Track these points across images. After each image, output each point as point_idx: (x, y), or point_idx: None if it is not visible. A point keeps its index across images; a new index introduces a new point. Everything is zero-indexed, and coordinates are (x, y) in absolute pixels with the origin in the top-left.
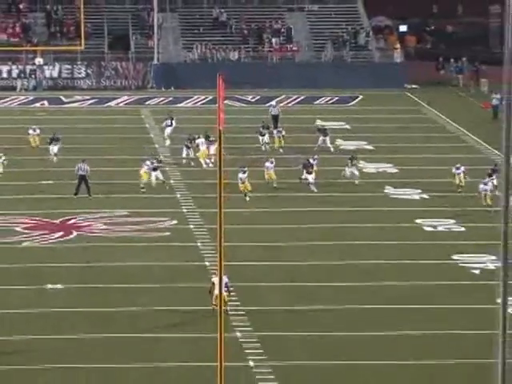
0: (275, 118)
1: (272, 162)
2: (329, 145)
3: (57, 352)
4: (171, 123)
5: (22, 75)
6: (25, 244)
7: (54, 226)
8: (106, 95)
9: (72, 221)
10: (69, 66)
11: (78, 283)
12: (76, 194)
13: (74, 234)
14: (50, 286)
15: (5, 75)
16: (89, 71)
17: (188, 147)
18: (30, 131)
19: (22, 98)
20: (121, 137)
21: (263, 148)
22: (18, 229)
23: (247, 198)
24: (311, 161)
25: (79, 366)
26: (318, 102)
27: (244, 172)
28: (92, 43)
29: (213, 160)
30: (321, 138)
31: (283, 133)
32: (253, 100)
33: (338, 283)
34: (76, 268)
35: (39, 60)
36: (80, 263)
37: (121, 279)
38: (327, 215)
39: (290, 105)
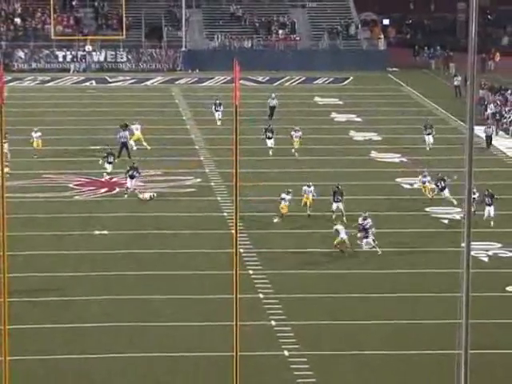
0: (272, 109)
1: (310, 186)
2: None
3: (104, 286)
4: (220, 107)
5: (75, 59)
6: (76, 198)
7: (100, 183)
8: (143, 76)
9: (115, 179)
10: (113, 52)
11: (121, 230)
12: (118, 156)
13: (117, 189)
14: (97, 232)
15: (60, 59)
16: (129, 56)
17: (216, 111)
18: (33, 133)
19: (75, 78)
20: (155, 110)
21: (270, 153)
22: (70, 185)
23: (275, 220)
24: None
25: (123, 297)
26: (316, 82)
27: (288, 193)
28: (132, 33)
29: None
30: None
31: (300, 133)
32: (263, 80)
33: None
34: (119, 217)
35: (88, 47)
36: (122, 213)
37: (156, 226)
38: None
39: (293, 84)
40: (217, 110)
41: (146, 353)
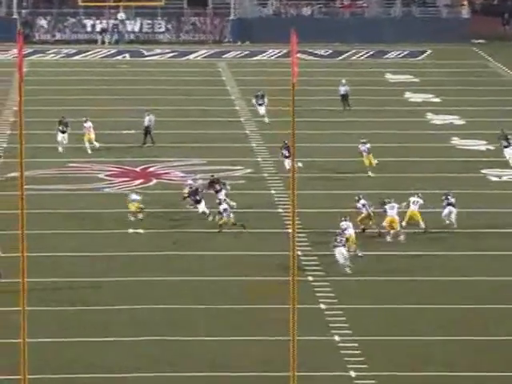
0: (345, 98)
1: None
2: None
3: (136, 291)
4: (263, 99)
5: (105, 29)
6: (106, 190)
7: (134, 173)
8: (184, 49)
9: (152, 169)
10: (149, 21)
11: (157, 228)
12: (144, 144)
13: (154, 181)
14: (131, 230)
15: (89, 29)
16: (168, 26)
17: (259, 104)
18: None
19: (105, 51)
20: (198, 88)
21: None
22: (100, 176)
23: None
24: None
25: (156, 306)
26: (387, 56)
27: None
28: None
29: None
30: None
31: (368, 145)
32: (325, 54)
33: None
34: (155, 214)
35: (121, 15)
36: (159, 209)
37: (199, 223)
38: None
39: (360, 59)
40: (260, 104)
41: (190, 372)
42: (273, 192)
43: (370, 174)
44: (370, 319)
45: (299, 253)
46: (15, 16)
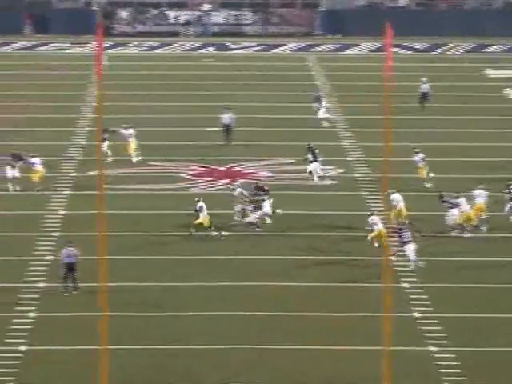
0: (425, 96)
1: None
2: None
3: (221, 299)
4: (321, 104)
5: (189, 21)
6: (191, 190)
7: (219, 172)
8: (271, 42)
9: (237, 168)
10: (235, 13)
11: (242, 231)
12: (226, 141)
13: (239, 181)
14: (215, 233)
15: (172, 21)
16: (255, 18)
17: (318, 108)
18: (122, 130)
19: (189, 44)
20: (286, 83)
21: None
22: (183, 175)
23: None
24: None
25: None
26: (487, 50)
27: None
28: None
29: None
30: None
31: (422, 155)
32: (421, 48)
33: None
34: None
35: (206, 6)
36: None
37: (287, 225)
38: None
39: (458, 53)
40: (318, 108)
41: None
42: (365, 193)
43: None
44: (466, 327)
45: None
46: (94, 7)
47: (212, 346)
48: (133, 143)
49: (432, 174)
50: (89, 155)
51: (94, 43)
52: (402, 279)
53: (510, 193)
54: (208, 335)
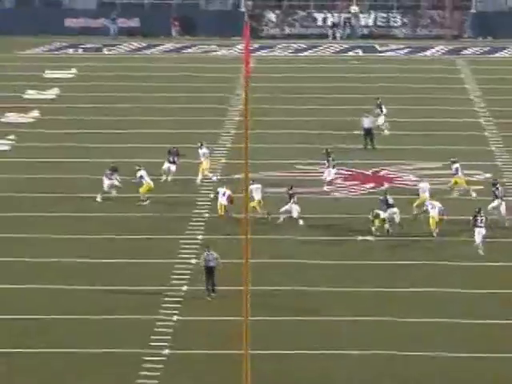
0: None
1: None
2: None
3: (358, 304)
4: (381, 110)
5: (337, 23)
6: (335, 195)
7: (365, 176)
8: (421, 44)
9: (383, 172)
10: (384, 15)
11: (387, 235)
12: (365, 147)
13: (386, 185)
14: (360, 237)
15: (320, 23)
16: (405, 20)
17: (378, 114)
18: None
19: (336, 46)
20: (434, 87)
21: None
22: (327, 179)
23: None
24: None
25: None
26: None
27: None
28: None
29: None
30: None
31: (457, 165)
32: None
33: None
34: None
35: (354, 8)
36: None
37: (423, 232)
38: None
39: None
40: (378, 115)
41: None
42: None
43: (473, 194)
44: None
45: None
46: (242, 9)
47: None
48: (206, 163)
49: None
50: (234, 158)
51: (242, 45)
52: None
53: (497, 189)
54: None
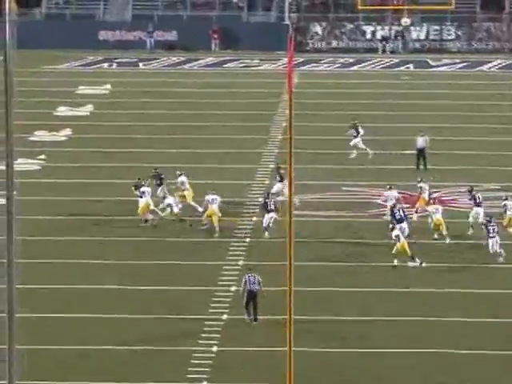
0: None
1: None
2: None
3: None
4: (357, 132)
5: (387, 37)
6: (385, 218)
7: (418, 200)
8: (477, 58)
9: (436, 194)
10: (437, 27)
11: (444, 261)
12: (417, 167)
13: (439, 208)
14: (411, 264)
15: (368, 36)
16: (459, 32)
17: (354, 136)
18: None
19: (386, 61)
20: (491, 104)
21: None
22: (377, 201)
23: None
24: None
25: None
26: None
27: None
28: (463, 2)
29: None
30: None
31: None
32: None
33: None
34: (441, 246)
35: (405, 20)
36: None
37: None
38: None
39: None
40: (354, 136)
41: None
42: None
43: None
44: None
45: None
46: (286, 22)
47: None
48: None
49: None
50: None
51: (285, 60)
52: None
53: (473, 197)
54: None
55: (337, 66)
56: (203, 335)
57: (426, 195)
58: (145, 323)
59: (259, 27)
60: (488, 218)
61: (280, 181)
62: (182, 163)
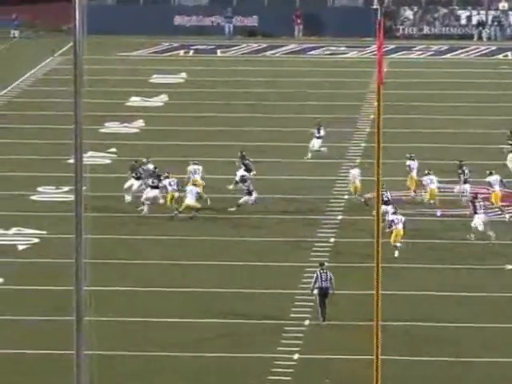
0: None
1: None
2: None
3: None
4: (319, 132)
5: (484, 22)
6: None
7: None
8: None
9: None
10: None
11: None
12: None
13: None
14: (510, 266)
15: (463, 22)
16: None
17: (317, 137)
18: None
19: (482, 48)
20: None
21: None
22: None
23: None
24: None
25: None
26: None
27: None
28: None
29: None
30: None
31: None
32: None
33: None
34: None
35: (504, 5)
36: None
37: None
38: None
39: None
40: (317, 137)
41: None
42: None
43: None
44: None
45: None
46: (375, 5)
47: None
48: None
49: None
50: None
51: (374, 47)
52: None
53: (463, 173)
54: None
55: (429, 53)
56: (284, 342)
57: (414, 173)
58: (222, 329)
59: (346, 11)
60: (474, 195)
61: (246, 170)
62: (265, 157)
